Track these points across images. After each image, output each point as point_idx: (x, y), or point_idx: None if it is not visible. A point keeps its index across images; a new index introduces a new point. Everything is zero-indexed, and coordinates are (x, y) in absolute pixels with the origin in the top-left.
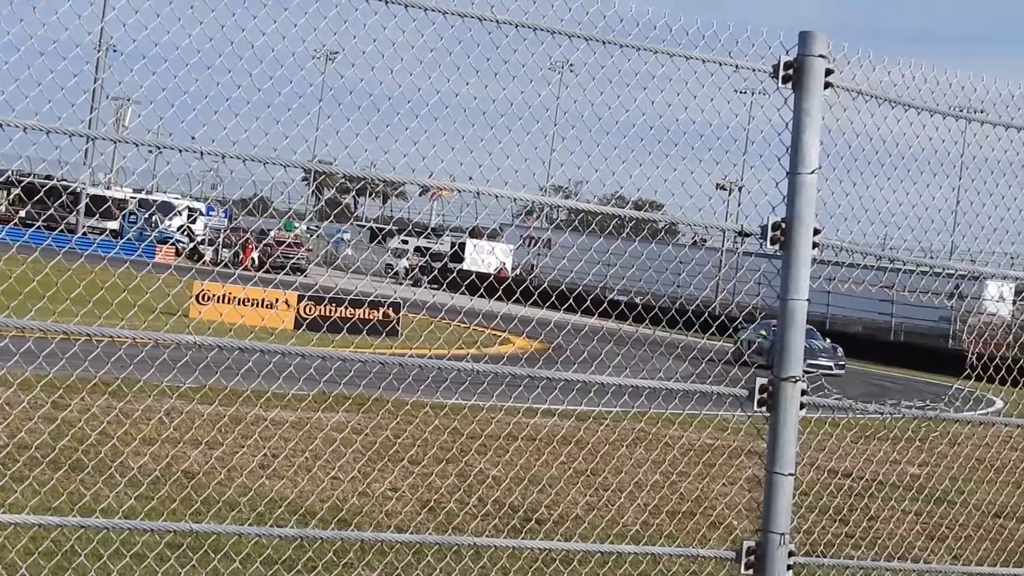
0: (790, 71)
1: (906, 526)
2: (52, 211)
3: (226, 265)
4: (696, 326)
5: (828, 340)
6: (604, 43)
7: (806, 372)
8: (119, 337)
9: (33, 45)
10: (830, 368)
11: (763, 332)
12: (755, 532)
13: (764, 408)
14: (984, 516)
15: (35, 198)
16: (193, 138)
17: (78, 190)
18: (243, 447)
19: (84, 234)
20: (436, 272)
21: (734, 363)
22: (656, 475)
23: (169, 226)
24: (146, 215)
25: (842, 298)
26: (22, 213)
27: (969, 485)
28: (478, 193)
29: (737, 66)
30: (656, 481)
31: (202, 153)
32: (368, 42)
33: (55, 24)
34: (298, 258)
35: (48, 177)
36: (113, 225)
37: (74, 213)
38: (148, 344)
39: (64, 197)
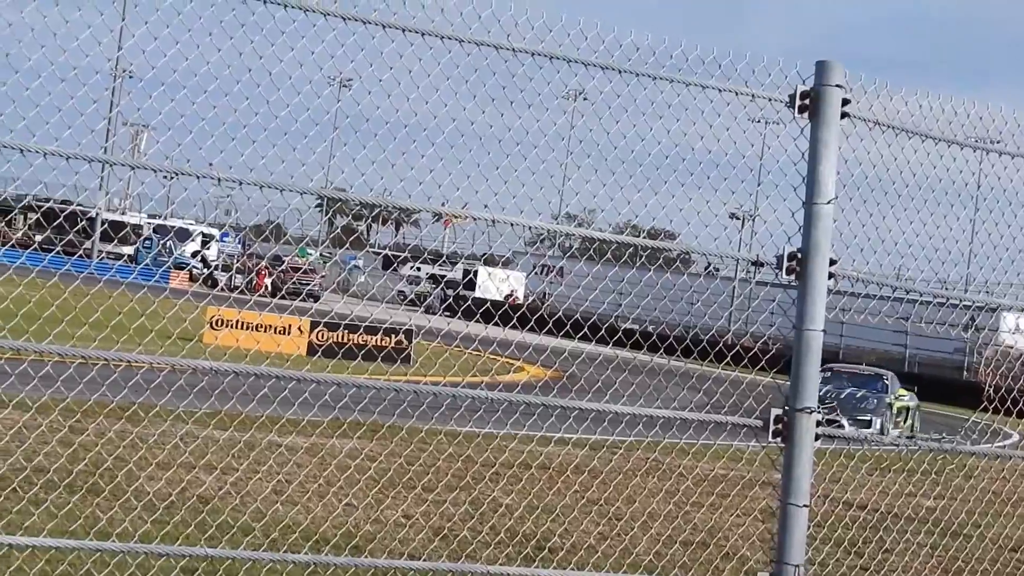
0: (806, 101)
1: (921, 560)
2: (71, 236)
3: (241, 291)
4: (711, 356)
5: (897, 394)
6: (620, 72)
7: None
8: (136, 362)
9: (54, 72)
10: (840, 426)
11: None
12: (769, 563)
13: (779, 439)
14: (1000, 551)
15: (54, 223)
16: (211, 164)
17: (95, 215)
18: (257, 473)
19: (100, 259)
20: (451, 299)
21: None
22: (669, 505)
23: (184, 252)
24: (162, 241)
25: (855, 328)
26: (39, 238)
27: (985, 519)
28: (493, 221)
29: (753, 95)
30: (669, 511)
31: (219, 179)
32: (384, 70)
33: (76, 51)
34: (312, 285)
35: (65, 202)
36: (129, 250)
37: (92, 239)
38: (165, 369)
39: (83, 222)
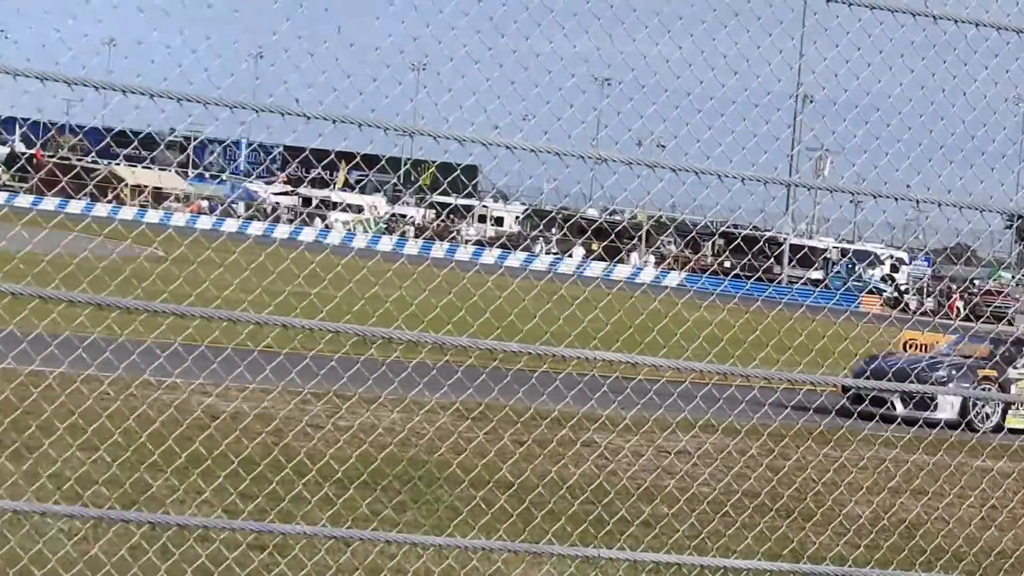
0: None
1: None
2: (771, 261)
3: (943, 316)
4: None
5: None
6: None
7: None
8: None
9: (747, 98)
10: (892, 407)
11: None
12: None
13: None
14: None
15: (754, 248)
16: (908, 187)
17: (781, 240)
18: (968, 497)
19: (788, 283)
20: None
21: None
22: None
23: (873, 276)
24: (852, 265)
25: None
26: (727, 264)
27: None
28: None
29: None
30: None
31: (918, 201)
32: None
33: (768, 76)
34: (1012, 311)
35: (754, 228)
36: (818, 275)
37: (786, 264)
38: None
39: (781, 247)
